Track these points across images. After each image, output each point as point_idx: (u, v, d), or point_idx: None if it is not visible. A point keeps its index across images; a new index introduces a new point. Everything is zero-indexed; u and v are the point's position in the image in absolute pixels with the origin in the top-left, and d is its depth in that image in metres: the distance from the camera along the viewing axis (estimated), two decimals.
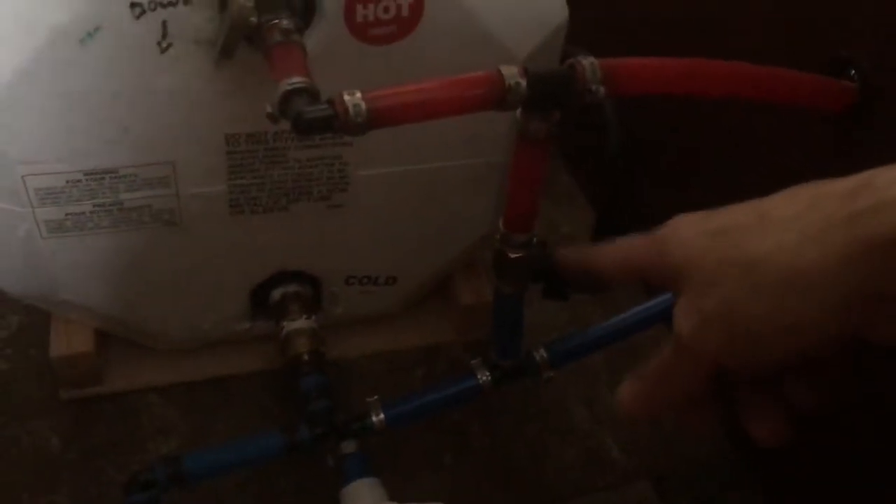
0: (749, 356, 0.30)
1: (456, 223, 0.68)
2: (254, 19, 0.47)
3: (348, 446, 0.61)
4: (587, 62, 0.45)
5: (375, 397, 0.62)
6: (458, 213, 0.67)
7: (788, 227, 0.29)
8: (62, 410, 0.70)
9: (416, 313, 0.77)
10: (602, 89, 0.45)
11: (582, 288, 0.73)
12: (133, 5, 0.48)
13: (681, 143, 0.77)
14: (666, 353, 0.33)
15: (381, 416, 0.61)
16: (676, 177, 0.78)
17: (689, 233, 0.33)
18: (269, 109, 0.43)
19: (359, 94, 0.42)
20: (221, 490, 0.66)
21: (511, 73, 0.44)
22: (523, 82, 0.44)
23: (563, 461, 0.72)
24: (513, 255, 0.53)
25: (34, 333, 0.74)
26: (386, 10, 0.52)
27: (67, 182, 0.55)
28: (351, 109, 0.41)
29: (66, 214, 0.57)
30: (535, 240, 0.53)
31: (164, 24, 0.49)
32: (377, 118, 0.42)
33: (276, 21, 0.47)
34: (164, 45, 0.49)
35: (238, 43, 0.49)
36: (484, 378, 0.62)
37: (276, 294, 0.68)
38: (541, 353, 0.62)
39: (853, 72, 0.53)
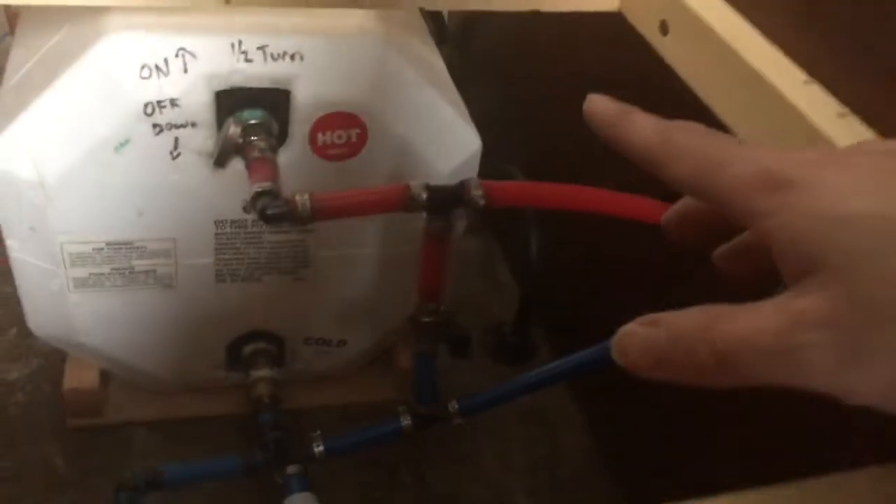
0: None
1: (396, 298, 0.85)
2: (240, 140, 0.66)
3: (293, 469, 0.76)
4: (474, 182, 0.63)
5: (318, 432, 0.78)
6: (397, 291, 0.84)
7: None
8: (68, 436, 0.86)
9: (363, 374, 0.94)
10: (483, 202, 0.63)
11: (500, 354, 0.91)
12: (154, 125, 0.66)
13: (586, 254, 0.95)
14: (751, 343, 0.22)
15: (321, 447, 0.77)
16: (577, 276, 0.96)
17: (849, 201, 0.22)
18: (243, 203, 0.61)
19: (307, 195, 0.60)
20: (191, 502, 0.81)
21: (417, 186, 0.62)
22: (425, 194, 0.62)
23: (476, 501, 0.87)
24: (424, 320, 0.70)
25: (49, 373, 0.91)
26: (339, 136, 0.70)
27: (93, 249, 0.73)
28: (300, 206, 0.59)
29: (90, 274, 0.74)
30: (442, 308, 0.71)
31: (176, 139, 0.67)
32: (319, 212, 0.60)
33: (256, 141, 0.66)
34: (175, 154, 0.68)
35: (229, 155, 0.68)
36: (406, 421, 0.78)
37: (248, 349, 0.85)
38: (453, 404, 0.78)
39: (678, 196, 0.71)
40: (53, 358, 0.91)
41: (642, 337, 0.24)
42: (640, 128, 0.27)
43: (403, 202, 0.62)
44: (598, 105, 0.28)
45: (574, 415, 0.95)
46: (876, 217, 0.22)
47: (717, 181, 0.24)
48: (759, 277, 0.29)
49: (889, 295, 0.21)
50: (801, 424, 0.61)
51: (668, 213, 0.32)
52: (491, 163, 0.78)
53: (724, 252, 0.30)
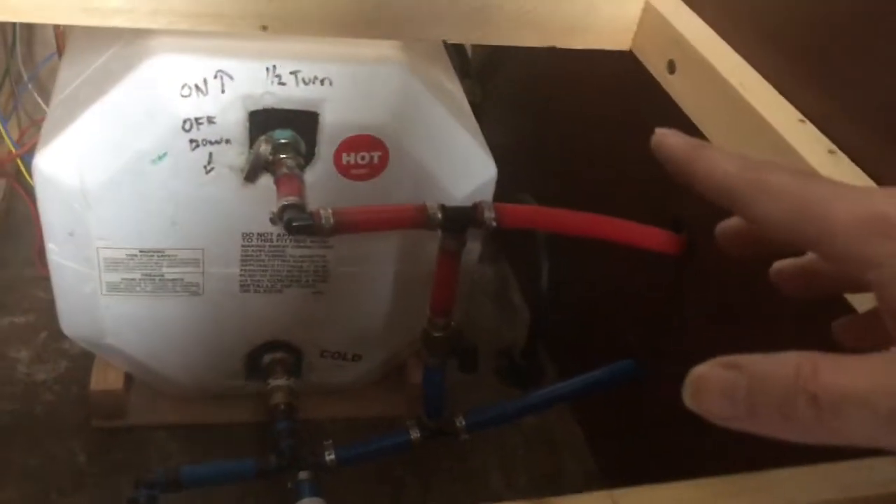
0: None
1: (409, 315, 0.89)
2: (270, 157, 0.70)
3: (304, 475, 0.80)
4: (486, 204, 0.67)
5: (329, 441, 0.81)
6: (411, 308, 0.88)
7: None
8: (91, 435, 0.90)
9: (375, 388, 0.97)
10: (495, 222, 0.67)
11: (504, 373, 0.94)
12: (191, 141, 0.71)
13: (587, 277, 0.98)
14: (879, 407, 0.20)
15: (333, 455, 0.80)
16: (585, 303, 1.00)
17: None
18: (271, 215, 0.65)
19: (330, 210, 0.64)
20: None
21: (433, 206, 0.66)
22: (440, 213, 0.66)
23: None
24: (435, 334, 0.74)
25: (77, 375, 0.95)
26: (362, 158, 0.75)
27: (127, 256, 0.77)
28: (323, 219, 0.64)
29: (122, 279, 0.79)
30: (453, 324, 0.74)
31: (210, 154, 0.72)
32: (340, 226, 0.64)
33: (284, 159, 0.70)
34: (209, 168, 0.73)
35: (259, 171, 0.72)
36: (415, 434, 0.82)
37: (267, 358, 0.89)
38: (460, 419, 0.82)
39: (684, 228, 0.75)
40: (81, 361, 0.95)
41: (722, 381, 0.22)
42: (722, 163, 0.26)
43: (420, 220, 0.66)
44: (670, 139, 0.28)
45: (578, 437, 0.97)
46: None
47: (818, 223, 0.23)
48: (818, 299, 0.29)
49: None
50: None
51: (725, 228, 0.31)
52: (506, 192, 0.82)
53: (786, 271, 0.30)
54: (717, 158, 0.26)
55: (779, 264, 0.30)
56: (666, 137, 0.28)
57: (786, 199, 0.24)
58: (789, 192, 0.24)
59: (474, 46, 1.25)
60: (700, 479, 0.32)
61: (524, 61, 1.17)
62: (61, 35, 1.03)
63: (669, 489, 0.31)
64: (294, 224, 0.64)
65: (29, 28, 1.15)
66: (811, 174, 0.24)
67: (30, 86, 1.20)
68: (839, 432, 0.21)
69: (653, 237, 0.72)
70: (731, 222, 0.30)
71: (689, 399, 0.23)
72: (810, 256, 0.29)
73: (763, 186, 0.24)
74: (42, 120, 1.17)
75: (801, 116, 0.60)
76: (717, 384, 0.22)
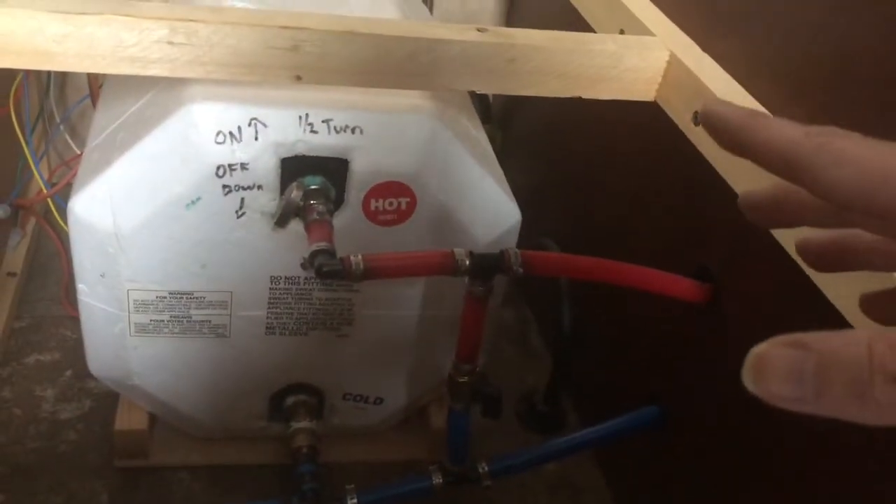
0: None
1: (432, 360, 0.89)
2: (301, 203, 0.72)
3: None
4: (512, 252, 0.68)
5: (352, 485, 0.81)
6: (434, 352, 0.88)
7: None
8: (114, 475, 0.90)
9: (396, 432, 0.97)
10: (521, 270, 0.68)
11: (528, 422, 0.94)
12: (224, 186, 0.72)
13: (609, 323, 0.99)
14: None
15: (355, 499, 0.80)
16: (607, 349, 1.00)
17: None
18: (302, 261, 0.66)
19: (360, 256, 0.65)
20: None
21: (461, 253, 0.67)
22: (468, 260, 0.67)
23: None
24: (460, 380, 0.74)
25: (100, 414, 0.96)
26: (390, 204, 0.76)
27: (156, 297, 0.78)
28: (353, 265, 0.65)
29: (150, 320, 0.80)
30: (478, 369, 0.75)
31: (242, 199, 0.73)
32: (370, 272, 0.65)
33: (315, 205, 0.71)
34: (240, 213, 0.74)
35: (290, 217, 0.73)
36: (438, 479, 0.82)
37: (290, 400, 0.89)
38: (483, 465, 0.82)
39: (711, 276, 0.75)
40: (105, 400, 0.96)
41: (788, 361, 0.21)
42: (785, 129, 0.25)
43: (448, 267, 0.67)
44: (721, 108, 0.27)
45: (600, 482, 0.97)
46: None
47: (890, 193, 0.22)
48: (847, 271, 0.28)
49: None
50: None
51: (754, 195, 0.30)
52: (525, 236, 0.83)
53: (814, 241, 0.29)
54: (779, 125, 0.25)
55: (807, 236, 0.29)
56: (717, 106, 0.27)
57: (853, 167, 0.23)
58: (866, 158, 0.23)
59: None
60: None
61: (545, 107, 1.19)
62: (95, 80, 1.06)
63: None
64: (325, 270, 0.65)
65: (62, 72, 1.18)
66: (885, 142, 0.23)
67: (62, 127, 1.22)
68: None
69: (679, 286, 0.72)
70: (762, 191, 0.30)
71: (750, 382, 0.21)
72: (848, 231, 0.28)
73: (834, 152, 0.23)
74: (72, 160, 1.20)
75: None
76: (782, 364, 0.21)
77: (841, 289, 0.56)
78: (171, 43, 0.64)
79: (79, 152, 1.21)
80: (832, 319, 0.56)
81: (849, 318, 0.54)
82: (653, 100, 0.76)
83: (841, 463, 0.60)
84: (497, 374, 1.04)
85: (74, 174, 0.98)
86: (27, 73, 1.06)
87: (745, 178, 0.65)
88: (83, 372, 0.97)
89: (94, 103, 1.07)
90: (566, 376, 1.04)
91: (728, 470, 0.75)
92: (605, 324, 1.00)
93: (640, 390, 0.89)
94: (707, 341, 0.77)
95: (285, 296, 0.81)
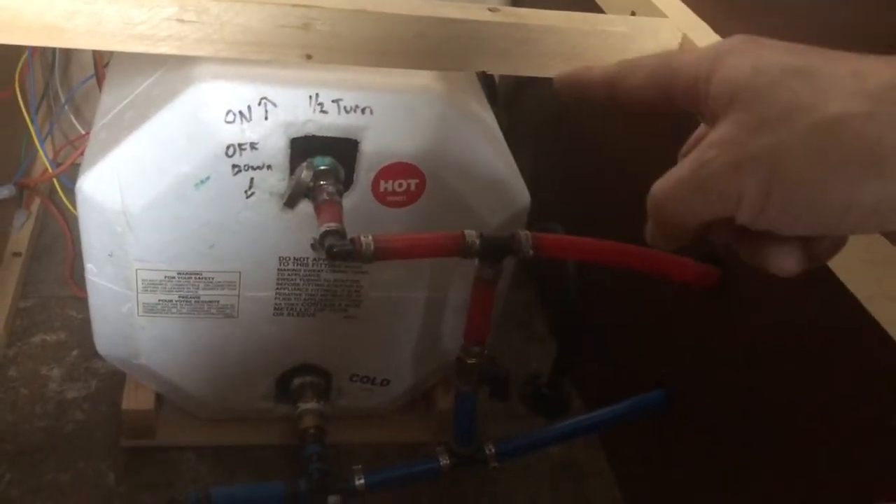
0: (785, 219, 0.27)
1: (438, 343, 0.89)
2: (310, 183, 0.71)
3: (333, 499, 0.80)
4: (524, 234, 0.68)
5: (359, 466, 0.81)
6: (440, 334, 0.88)
7: (885, 97, 0.25)
8: (120, 455, 0.90)
9: (401, 414, 0.97)
10: (532, 252, 0.67)
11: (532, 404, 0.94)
12: (234, 166, 0.72)
13: (611, 309, 0.99)
14: (676, 180, 0.30)
15: (362, 480, 0.80)
16: (613, 333, 1.00)
17: (765, 58, 0.28)
18: (312, 241, 0.66)
19: (370, 237, 0.65)
20: None
21: (472, 235, 0.67)
22: (478, 241, 0.67)
23: None
24: (469, 361, 0.74)
25: (107, 395, 0.96)
26: (400, 185, 0.76)
27: (165, 277, 0.78)
28: (364, 246, 0.64)
29: (159, 300, 0.80)
30: (486, 352, 0.74)
31: (251, 180, 0.73)
32: (381, 253, 0.65)
33: (325, 185, 0.71)
34: (249, 193, 0.74)
35: (299, 197, 0.73)
36: (445, 461, 0.82)
37: (297, 381, 0.89)
38: (489, 447, 0.82)
39: (719, 261, 0.75)
40: (111, 380, 0.96)
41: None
42: (597, 68, 0.34)
43: (458, 248, 0.66)
44: (559, 76, 0.36)
45: (605, 470, 0.97)
46: (778, 65, 0.28)
47: (673, 68, 0.31)
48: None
49: (771, 111, 0.27)
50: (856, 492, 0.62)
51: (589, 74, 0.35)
52: (532, 220, 0.83)
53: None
54: (594, 67, 0.34)
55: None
56: (557, 79, 0.36)
57: (644, 68, 0.32)
58: (644, 63, 0.32)
59: (502, 74, 1.26)
60: None
61: (552, 89, 1.18)
62: (100, 59, 1.05)
63: None
64: (335, 250, 0.65)
65: (67, 51, 1.17)
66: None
67: (66, 107, 1.22)
68: (665, 212, 0.31)
69: (687, 269, 0.72)
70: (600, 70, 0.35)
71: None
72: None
73: (625, 66, 0.33)
74: (77, 140, 1.19)
75: None
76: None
77: (853, 273, 0.56)
78: (180, 20, 0.64)
79: (83, 132, 1.20)
80: (842, 303, 0.56)
81: (861, 298, 0.54)
82: None
83: (844, 447, 0.60)
84: (502, 358, 1.04)
85: (80, 154, 0.98)
86: (32, 51, 1.05)
87: None
88: (89, 352, 0.97)
89: (98, 83, 1.06)
90: (571, 360, 1.04)
91: (732, 453, 0.75)
92: (610, 308, 1.00)
93: (645, 374, 0.89)
94: (714, 326, 0.77)
95: (293, 277, 0.80)
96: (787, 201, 0.26)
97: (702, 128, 0.33)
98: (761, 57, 0.28)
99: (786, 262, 0.30)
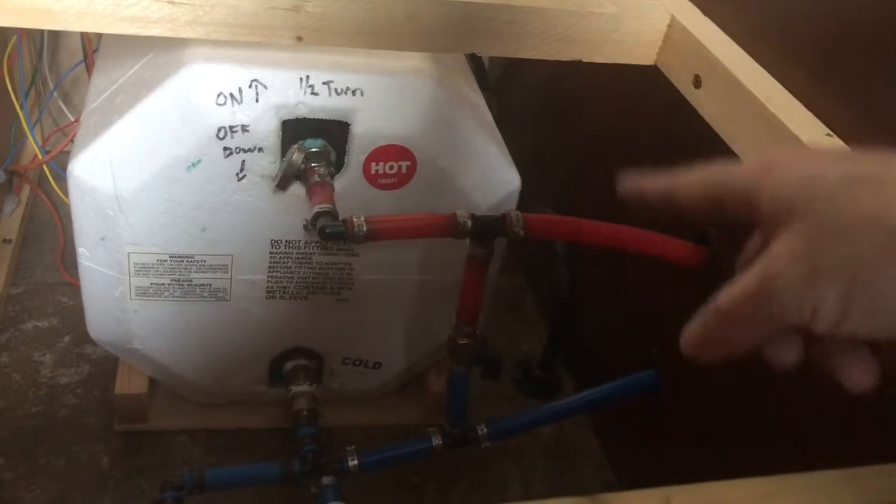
0: (868, 326, 0.27)
1: (430, 325, 0.90)
2: (302, 165, 0.72)
3: (327, 479, 0.80)
4: (514, 214, 0.68)
5: (353, 446, 0.82)
6: (432, 317, 0.89)
7: None
8: (114, 439, 0.91)
9: (394, 397, 0.98)
10: (522, 232, 0.68)
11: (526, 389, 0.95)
12: (225, 149, 0.72)
13: (606, 289, 0.99)
14: (742, 294, 0.29)
15: (356, 460, 0.81)
16: (604, 314, 1.01)
17: (815, 168, 0.29)
18: (305, 223, 0.67)
19: (363, 217, 0.65)
20: None
21: (463, 215, 0.67)
22: (470, 222, 0.67)
23: None
24: (461, 341, 0.75)
25: (99, 379, 0.96)
26: (391, 167, 0.76)
27: (157, 261, 0.78)
28: (356, 227, 0.65)
29: (151, 283, 0.80)
30: (478, 332, 0.75)
31: (242, 162, 0.73)
32: (373, 234, 0.65)
33: (316, 167, 0.71)
34: (241, 176, 0.74)
35: (291, 180, 0.73)
36: (437, 441, 0.82)
37: (290, 365, 0.90)
38: (482, 427, 0.82)
39: (711, 241, 0.76)
40: (104, 366, 0.96)
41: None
42: (655, 181, 0.36)
43: (450, 229, 0.67)
44: (622, 187, 0.37)
45: (596, 447, 0.98)
46: (832, 174, 0.28)
47: (724, 179, 0.32)
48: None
49: (837, 226, 0.27)
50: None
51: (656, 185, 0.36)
52: (523, 201, 0.83)
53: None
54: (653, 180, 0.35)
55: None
56: (631, 183, 0.37)
57: (697, 179, 0.33)
58: (696, 175, 0.33)
59: (491, 59, 1.26)
60: (752, 477, 0.32)
61: (542, 74, 1.19)
62: (89, 44, 1.05)
63: (722, 487, 0.32)
64: (328, 231, 0.65)
65: (55, 36, 1.17)
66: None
67: (55, 93, 1.21)
68: (732, 326, 0.30)
69: (678, 250, 0.73)
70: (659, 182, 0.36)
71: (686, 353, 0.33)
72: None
73: (678, 180, 0.34)
74: (66, 127, 1.19)
75: (827, 131, 0.61)
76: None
77: None
78: (171, 2, 0.64)
79: (73, 119, 1.20)
80: None
81: None
82: (653, 63, 0.76)
83: (838, 429, 0.61)
84: (493, 340, 1.04)
85: (70, 140, 0.98)
86: (20, 36, 1.05)
87: (747, 142, 0.65)
88: (81, 338, 0.98)
89: (88, 69, 1.06)
90: (562, 342, 1.05)
91: (723, 433, 0.76)
92: (601, 290, 1.01)
93: (636, 355, 0.90)
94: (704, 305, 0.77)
95: (286, 259, 0.81)
96: (869, 306, 0.27)
97: (757, 237, 0.33)
98: (812, 167, 0.29)
99: (856, 373, 0.30)
